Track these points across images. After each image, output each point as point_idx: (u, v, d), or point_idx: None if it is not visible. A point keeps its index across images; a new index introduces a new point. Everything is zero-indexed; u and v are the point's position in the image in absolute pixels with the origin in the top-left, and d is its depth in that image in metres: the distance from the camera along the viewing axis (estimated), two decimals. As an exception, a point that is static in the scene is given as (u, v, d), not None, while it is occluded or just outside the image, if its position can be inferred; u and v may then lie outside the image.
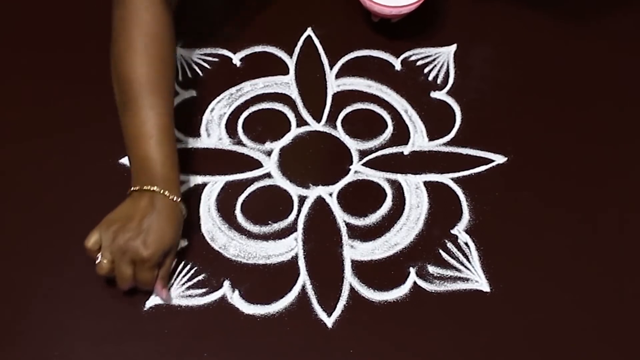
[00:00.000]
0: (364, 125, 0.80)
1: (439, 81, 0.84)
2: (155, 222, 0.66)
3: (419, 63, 0.85)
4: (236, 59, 0.85)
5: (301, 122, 0.80)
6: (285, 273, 0.70)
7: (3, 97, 0.83)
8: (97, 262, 0.66)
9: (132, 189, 0.68)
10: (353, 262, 0.70)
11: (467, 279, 0.69)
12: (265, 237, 0.72)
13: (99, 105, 0.81)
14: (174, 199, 0.68)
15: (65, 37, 0.87)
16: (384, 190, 0.75)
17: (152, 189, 0.67)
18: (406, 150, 0.78)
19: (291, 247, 0.71)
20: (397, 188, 0.75)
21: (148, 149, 0.68)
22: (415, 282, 0.69)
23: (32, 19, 0.90)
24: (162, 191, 0.67)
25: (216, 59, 0.85)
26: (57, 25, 0.89)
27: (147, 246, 0.65)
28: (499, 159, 0.77)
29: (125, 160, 0.76)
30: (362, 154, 0.78)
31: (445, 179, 0.76)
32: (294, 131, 0.80)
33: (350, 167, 0.77)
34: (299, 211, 0.74)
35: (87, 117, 0.80)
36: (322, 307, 0.68)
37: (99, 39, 0.87)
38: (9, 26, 0.89)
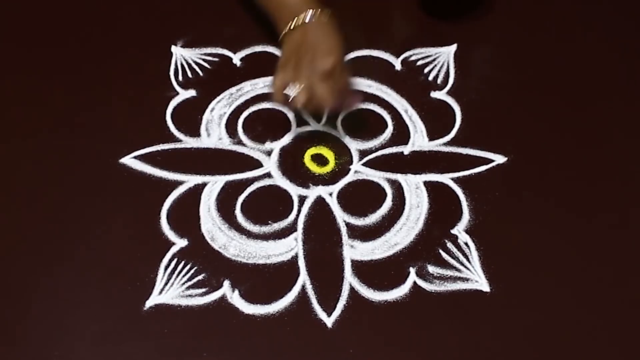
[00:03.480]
0: (364, 125, 0.80)
1: (439, 81, 0.84)
2: (320, 36, 0.71)
3: (419, 63, 0.85)
4: (236, 59, 0.86)
5: (301, 122, 0.80)
6: (285, 273, 0.70)
7: (2, 95, 0.83)
8: (292, 96, 0.70)
9: (282, 33, 0.74)
10: (353, 262, 0.70)
11: (467, 279, 0.69)
12: (265, 237, 0.72)
13: (99, 104, 0.81)
14: (317, 10, 0.72)
15: (66, 34, 0.88)
16: (384, 190, 0.75)
17: (298, 22, 0.72)
18: (406, 150, 0.78)
19: (291, 247, 0.71)
20: (397, 188, 0.75)
21: None
22: (415, 282, 0.69)
23: (31, 16, 0.90)
24: (305, 11, 0.72)
25: (216, 59, 0.86)
26: (56, 21, 0.89)
27: (329, 54, 0.70)
28: (499, 159, 0.77)
29: (125, 160, 0.76)
30: (362, 153, 0.78)
31: (445, 179, 0.76)
32: (294, 131, 0.80)
33: (350, 167, 0.77)
34: (299, 211, 0.74)
35: (87, 116, 0.80)
36: (322, 307, 0.68)
37: (100, 36, 0.88)
38: (5, 23, 0.89)
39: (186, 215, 0.73)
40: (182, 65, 0.85)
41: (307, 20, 0.72)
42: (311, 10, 0.72)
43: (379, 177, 0.76)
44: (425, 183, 0.76)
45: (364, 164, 0.77)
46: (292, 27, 0.73)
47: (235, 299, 0.68)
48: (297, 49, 0.72)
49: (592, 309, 0.68)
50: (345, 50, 0.74)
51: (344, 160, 0.77)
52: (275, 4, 0.76)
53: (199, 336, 0.66)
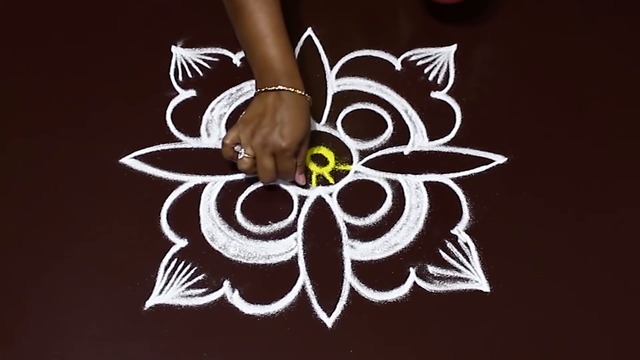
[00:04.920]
0: (364, 125, 0.80)
1: (439, 81, 0.84)
2: (287, 115, 0.71)
3: (419, 63, 0.85)
4: (236, 59, 0.85)
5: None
6: (285, 273, 0.70)
7: (3, 95, 0.83)
8: (239, 158, 0.71)
9: (258, 90, 0.73)
10: (353, 262, 0.70)
11: (467, 279, 0.69)
12: (265, 237, 0.72)
13: (99, 104, 0.81)
14: (299, 92, 0.72)
15: (66, 35, 0.88)
16: (384, 190, 0.75)
17: (276, 87, 0.72)
18: (406, 150, 0.78)
19: (291, 247, 0.71)
20: (397, 188, 0.75)
21: (265, 48, 0.73)
22: (415, 282, 0.69)
23: (31, 16, 0.90)
24: (286, 87, 0.72)
25: (216, 59, 0.85)
26: (57, 21, 0.89)
27: (284, 137, 0.70)
28: (499, 159, 0.77)
29: (125, 160, 0.77)
30: (362, 154, 0.78)
31: (445, 179, 0.76)
32: (294, 131, 0.79)
33: (350, 167, 0.77)
34: (299, 211, 0.74)
35: (87, 116, 0.80)
36: (322, 307, 0.68)
37: (100, 36, 0.88)
38: (5, 23, 0.89)
39: (186, 215, 0.73)
40: (182, 65, 0.85)
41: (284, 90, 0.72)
42: (291, 89, 0.72)
43: (379, 177, 0.76)
44: (425, 183, 0.76)
45: (364, 164, 0.77)
46: (268, 90, 0.72)
47: (235, 299, 0.68)
48: (263, 114, 0.71)
49: (591, 309, 0.68)
50: (305, 136, 0.73)
51: (343, 164, 0.77)
52: (259, 63, 0.74)
53: (199, 336, 0.66)
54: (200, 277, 0.69)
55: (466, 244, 0.71)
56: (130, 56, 0.86)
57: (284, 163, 0.71)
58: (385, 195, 0.75)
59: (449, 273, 0.70)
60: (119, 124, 0.80)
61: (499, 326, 0.67)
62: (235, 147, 0.72)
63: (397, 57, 0.86)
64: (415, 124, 0.80)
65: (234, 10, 0.77)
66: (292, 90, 0.72)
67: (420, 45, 0.87)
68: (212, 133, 0.79)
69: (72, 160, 0.77)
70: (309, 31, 0.88)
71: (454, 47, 0.87)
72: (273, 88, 0.72)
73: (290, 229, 0.72)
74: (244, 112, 0.74)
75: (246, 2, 0.75)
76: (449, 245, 0.72)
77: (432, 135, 0.79)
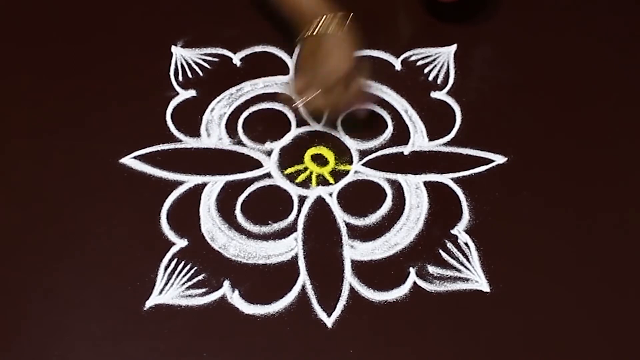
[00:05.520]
0: (364, 125, 0.80)
1: (439, 81, 0.84)
2: (334, 46, 0.73)
3: (419, 63, 0.85)
4: (236, 59, 0.86)
5: (301, 122, 0.80)
6: (285, 273, 0.70)
7: (3, 95, 0.83)
8: (310, 98, 0.74)
9: (297, 39, 0.76)
10: (353, 262, 0.70)
11: (467, 279, 0.69)
12: (265, 237, 0.72)
13: (99, 104, 0.81)
14: (334, 17, 0.74)
15: (66, 34, 0.88)
16: (384, 190, 0.75)
17: (314, 28, 0.74)
18: (406, 150, 0.78)
19: (291, 247, 0.71)
20: (397, 188, 0.75)
21: None
22: (415, 282, 0.69)
23: (31, 16, 0.90)
24: (323, 30, 0.74)
25: (216, 59, 0.86)
26: (57, 21, 0.89)
27: (342, 61, 0.73)
28: (499, 159, 0.77)
29: (125, 160, 0.77)
30: (362, 154, 0.78)
31: (445, 179, 0.76)
32: (294, 131, 0.80)
33: (350, 167, 0.77)
34: (299, 211, 0.74)
35: (88, 116, 0.80)
36: (322, 307, 0.68)
37: (100, 36, 0.88)
38: (5, 23, 0.89)
39: (186, 215, 0.73)
40: (182, 65, 0.85)
41: (321, 24, 0.74)
42: (325, 17, 0.74)
43: (379, 177, 0.76)
44: (425, 183, 0.76)
45: (364, 164, 0.77)
46: (308, 34, 0.74)
47: (235, 299, 0.68)
48: (312, 51, 0.74)
49: (591, 309, 0.68)
50: (349, 69, 0.74)
51: (343, 164, 0.77)
52: (295, 11, 0.77)
53: (199, 336, 0.66)
54: (200, 277, 0.69)
55: (466, 244, 0.71)
56: (130, 56, 0.86)
57: (352, 84, 0.74)
58: (385, 195, 0.75)
59: (449, 273, 0.70)
60: (119, 124, 0.80)
61: (499, 326, 0.67)
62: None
63: (397, 57, 0.86)
64: (415, 124, 0.80)
65: None
66: (328, 30, 0.74)
67: (420, 45, 0.87)
68: (212, 133, 0.79)
69: (72, 160, 0.77)
70: (309, 31, 0.88)
71: (454, 47, 0.87)
72: (309, 34, 0.74)
73: (290, 229, 0.72)
74: (296, 60, 0.79)
75: None
76: (449, 245, 0.72)
77: (432, 135, 0.79)
